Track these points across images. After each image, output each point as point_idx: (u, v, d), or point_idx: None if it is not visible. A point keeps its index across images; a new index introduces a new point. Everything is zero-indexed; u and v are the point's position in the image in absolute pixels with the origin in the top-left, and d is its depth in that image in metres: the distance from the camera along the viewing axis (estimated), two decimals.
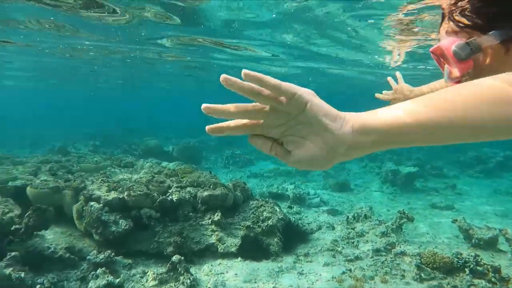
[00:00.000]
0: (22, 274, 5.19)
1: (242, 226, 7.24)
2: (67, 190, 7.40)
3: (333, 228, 8.14)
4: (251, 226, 7.20)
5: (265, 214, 7.44)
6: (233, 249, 6.81)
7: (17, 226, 5.85)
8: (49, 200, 7.24)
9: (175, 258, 5.77)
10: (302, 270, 6.05)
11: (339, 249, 6.92)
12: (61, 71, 25.25)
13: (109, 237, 6.60)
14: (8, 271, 5.18)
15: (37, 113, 50.79)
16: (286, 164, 1.07)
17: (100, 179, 7.76)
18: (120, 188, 7.28)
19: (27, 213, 5.83)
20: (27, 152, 20.86)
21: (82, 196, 7.13)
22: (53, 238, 6.85)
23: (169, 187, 7.87)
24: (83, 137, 27.49)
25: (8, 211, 6.00)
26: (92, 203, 6.84)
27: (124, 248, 6.78)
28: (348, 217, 8.47)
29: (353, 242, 7.22)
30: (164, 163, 12.39)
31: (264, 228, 7.17)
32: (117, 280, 5.50)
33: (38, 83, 34.62)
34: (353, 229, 7.84)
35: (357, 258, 6.55)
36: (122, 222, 6.78)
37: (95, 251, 6.13)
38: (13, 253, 5.40)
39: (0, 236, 5.85)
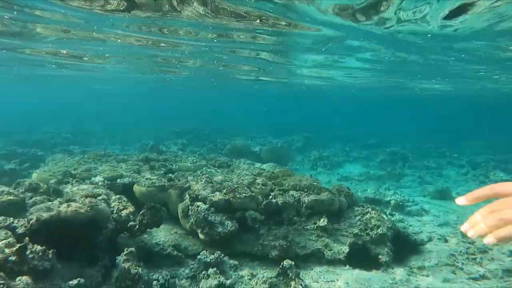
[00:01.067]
0: (140, 270, 5.68)
1: (350, 233, 7.25)
2: (172, 190, 7.95)
3: (446, 241, 7.77)
4: (359, 233, 7.17)
5: (373, 222, 7.35)
6: (341, 256, 6.84)
7: (132, 223, 6.43)
8: (155, 199, 7.84)
9: (286, 263, 5.94)
10: (419, 285, 5.88)
11: (459, 265, 6.60)
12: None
13: (215, 237, 6.97)
14: (126, 265, 5.72)
15: (127, 111, 55.03)
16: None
17: (204, 180, 8.23)
18: (225, 190, 7.64)
19: (142, 211, 6.38)
20: (117, 149, 22.72)
21: (187, 196, 7.62)
22: (160, 235, 7.40)
23: (271, 190, 8.10)
24: (169, 135, 29.30)
25: (123, 208, 6.61)
26: (198, 203, 7.27)
27: (228, 248, 7.12)
28: None
29: (475, 258, 6.83)
30: (257, 164, 12.74)
31: (373, 236, 7.09)
32: (228, 282, 5.81)
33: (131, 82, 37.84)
34: (471, 243, 7.42)
35: (483, 277, 6.20)
36: (228, 223, 7.13)
37: (205, 251, 6.52)
38: (130, 249, 5.94)
39: (112, 232, 6.46)
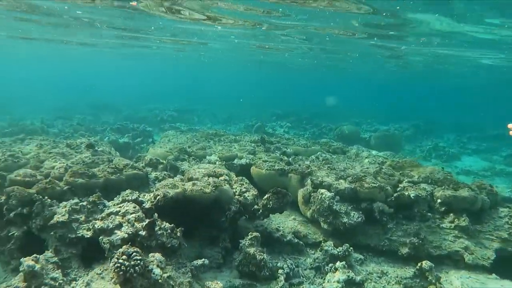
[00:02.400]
0: (265, 256, 5.57)
1: (496, 237, 6.42)
2: (293, 174, 7.73)
3: None
4: (509, 239, 6.33)
5: None
6: (485, 263, 6.09)
7: (256, 206, 6.34)
8: (273, 182, 7.68)
9: (425, 264, 5.41)
10: None
11: None
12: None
13: (339, 227, 6.63)
14: (251, 250, 5.64)
15: (227, 91, 56.87)
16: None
17: (326, 166, 7.91)
18: (350, 178, 7.24)
19: (267, 196, 6.25)
20: (221, 128, 23.31)
21: (309, 181, 7.35)
22: (278, 220, 7.24)
23: (399, 181, 7.51)
24: (270, 117, 29.47)
25: (245, 190, 6.54)
26: (322, 190, 6.97)
27: (351, 240, 6.75)
28: None
29: None
30: (373, 152, 12.08)
31: None
32: (358, 278, 5.45)
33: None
34: None
35: None
36: (354, 214, 6.74)
37: (330, 242, 6.23)
38: (254, 234, 5.85)
39: (235, 214, 6.41)
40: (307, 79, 66.68)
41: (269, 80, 74.16)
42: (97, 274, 4.88)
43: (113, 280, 4.01)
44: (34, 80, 53.68)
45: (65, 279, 4.74)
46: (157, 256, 4.50)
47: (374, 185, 7.02)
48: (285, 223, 7.32)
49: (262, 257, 5.55)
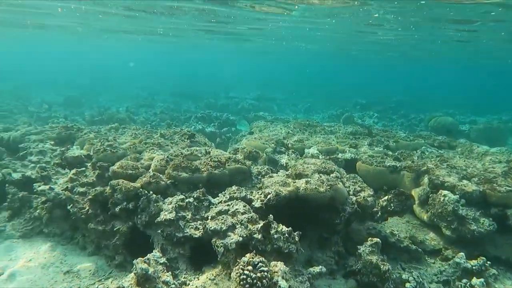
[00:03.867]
0: (389, 267, 4.94)
1: None
2: (406, 172, 6.96)
3: None
4: None
5: None
6: None
7: (375, 209, 5.70)
8: (383, 179, 6.99)
9: None
10: None
11: None
12: None
13: (466, 235, 5.81)
14: (373, 259, 5.03)
15: (307, 79, 56.12)
16: None
17: (445, 164, 7.05)
18: (476, 178, 6.35)
19: (388, 197, 5.59)
20: (302, 117, 22.64)
21: (425, 181, 6.55)
22: (391, 223, 6.56)
23: None
24: (354, 106, 28.32)
25: (360, 189, 5.93)
26: (445, 192, 6.15)
27: (476, 250, 5.92)
28: None
29: None
30: (483, 147, 10.82)
31: None
32: None
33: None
34: None
35: None
36: (484, 220, 5.87)
37: (462, 254, 5.44)
38: (375, 240, 5.23)
39: (350, 215, 5.82)
40: (389, 67, 63.76)
41: (349, 68, 72.04)
42: (209, 279, 4.54)
43: None
44: (117, 69, 56.47)
45: (176, 283, 4.45)
46: (281, 266, 4.04)
47: (510, 188, 6.08)
48: (399, 226, 6.59)
49: (386, 268, 4.91)
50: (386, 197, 5.70)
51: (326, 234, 5.76)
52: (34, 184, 6.68)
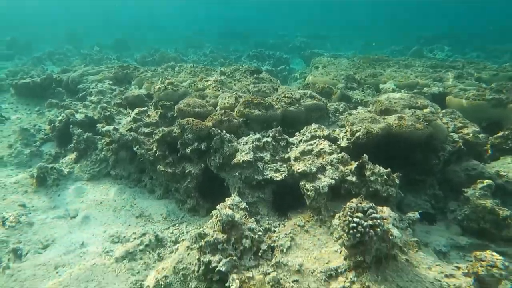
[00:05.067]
0: (509, 212, 4.32)
1: None
2: None
3: None
4: None
5: None
6: None
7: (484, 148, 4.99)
8: (482, 114, 6.21)
9: None
10: None
11: None
12: None
13: None
14: (487, 203, 4.43)
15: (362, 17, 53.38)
16: None
17: None
18: None
19: (505, 133, 4.86)
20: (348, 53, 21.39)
21: None
22: (494, 163, 5.81)
23: None
24: (417, 40, 26.47)
25: (462, 126, 5.22)
26: None
27: None
28: None
29: None
30: None
31: None
32: None
33: None
34: None
35: None
36: None
37: None
38: (488, 182, 4.59)
39: (451, 155, 5.16)
40: None
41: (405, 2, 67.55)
42: (298, 226, 4.12)
43: (340, 241, 3.15)
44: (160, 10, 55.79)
45: (261, 228, 4.06)
46: (389, 212, 3.53)
47: None
48: (504, 166, 5.84)
49: (507, 214, 4.30)
50: (500, 133, 4.96)
51: (419, 176, 5.17)
52: (97, 125, 6.43)
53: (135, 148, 5.80)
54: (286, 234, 3.98)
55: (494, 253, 3.04)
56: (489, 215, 4.34)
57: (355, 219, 3.02)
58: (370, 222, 3.03)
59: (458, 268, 3.32)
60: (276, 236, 4.00)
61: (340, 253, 3.47)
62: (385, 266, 3.16)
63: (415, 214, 4.28)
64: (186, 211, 5.49)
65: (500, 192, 5.09)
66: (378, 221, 3.06)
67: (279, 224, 4.35)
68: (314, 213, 4.21)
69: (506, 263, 2.96)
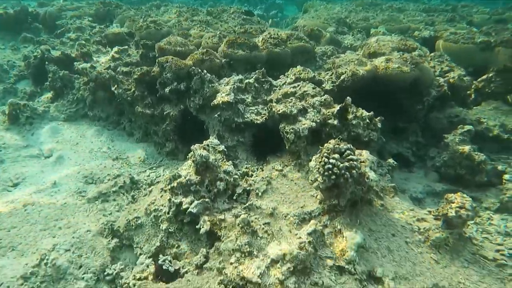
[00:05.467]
0: (484, 158, 4.29)
1: None
2: (502, 48, 5.92)
3: None
4: None
5: None
6: None
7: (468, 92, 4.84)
8: (470, 58, 6.03)
9: None
10: None
11: None
12: None
13: None
14: (465, 148, 4.38)
15: None
16: None
17: None
18: None
19: (488, 76, 4.68)
20: None
21: None
22: (475, 110, 5.70)
23: None
24: None
25: (448, 70, 5.03)
26: None
27: None
28: None
29: None
30: None
31: None
32: None
33: None
34: None
35: None
36: None
37: None
38: (467, 127, 4.51)
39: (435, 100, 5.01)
40: None
41: None
42: (276, 170, 4.01)
43: (315, 184, 3.03)
44: None
45: (238, 173, 3.94)
46: (367, 155, 3.40)
47: None
48: (485, 113, 5.72)
49: (481, 159, 4.24)
50: (484, 76, 4.80)
51: (402, 123, 5.04)
52: (74, 63, 6.15)
53: (113, 88, 5.57)
54: (263, 178, 3.86)
55: (464, 195, 3.01)
56: (465, 161, 4.33)
57: (331, 160, 2.89)
58: (346, 164, 2.91)
59: (430, 212, 3.29)
60: (253, 180, 3.89)
61: (316, 197, 3.37)
62: (359, 210, 3.08)
63: (391, 161, 4.20)
64: (165, 155, 5.36)
65: (479, 139, 5.03)
66: (355, 163, 2.93)
67: (257, 169, 4.24)
68: (293, 157, 4.09)
69: (474, 205, 2.95)
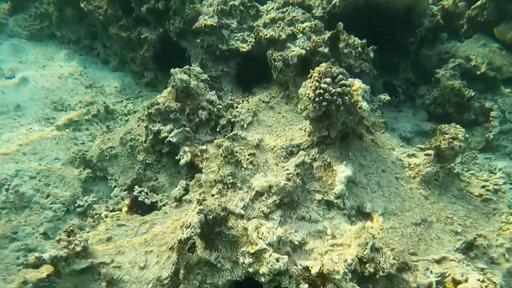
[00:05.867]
0: (473, 93, 4.28)
1: None
2: None
3: None
4: None
5: None
6: None
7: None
8: None
9: None
10: None
11: None
12: None
13: None
14: (455, 84, 4.33)
15: None
16: None
17: None
18: None
19: (481, 2, 4.39)
20: None
21: None
22: (465, 46, 5.50)
23: None
24: None
25: None
26: None
27: None
28: None
29: None
30: None
31: None
32: None
33: None
34: None
35: None
36: None
37: None
38: (458, 61, 4.40)
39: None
40: None
41: None
42: (263, 102, 3.78)
43: (304, 113, 2.81)
44: None
45: (222, 104, 3.69)
46: (360, 84, 3.16)
47: None
48: (473, 50, 5.52)
49: (471, 95, 4.11)
50: (479, 3, 4.56)
51: (394, 59, 4.82)
52: None
53: (82, 4, 5.04)
54: (248, 109, 3.64)
55: (458, 126, 2.92)
56: (455, 97, 4.29)
57: (322, 85, 2.66)
58: (338, 89, 2.68)
59: (421, 148, 3.22)
60: (238, 112, 3.65)
61: (305, 130, 3.17)
62: (350, 144, 2.90)
63: (385, 97, 4.03)
64: (144, 86, 5.03)
65: (467, 76, 4.90)
66: (348, 88, 2.71)
67: (242, 101, 3.99)
68: (281, 88, 3.85)
69: (467, 135, 2.88)
